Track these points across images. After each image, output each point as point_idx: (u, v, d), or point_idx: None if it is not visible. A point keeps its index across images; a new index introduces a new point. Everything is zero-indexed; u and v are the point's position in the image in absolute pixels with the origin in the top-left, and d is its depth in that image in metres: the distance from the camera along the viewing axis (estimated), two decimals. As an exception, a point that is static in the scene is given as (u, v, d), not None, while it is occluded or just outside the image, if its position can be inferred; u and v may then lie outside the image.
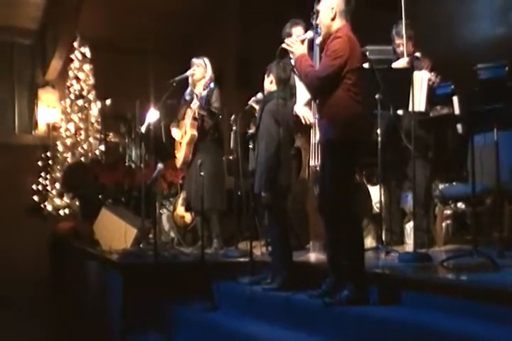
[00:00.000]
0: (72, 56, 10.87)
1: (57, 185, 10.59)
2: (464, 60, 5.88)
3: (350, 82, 4.00)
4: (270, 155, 4.69)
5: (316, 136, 5.37)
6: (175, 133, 6.59)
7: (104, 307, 6.18)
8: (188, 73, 6.45)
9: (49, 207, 10.71)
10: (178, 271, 5.56)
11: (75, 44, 10.77)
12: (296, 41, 4.25)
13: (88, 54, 10.82)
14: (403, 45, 5.37)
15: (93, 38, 10.70)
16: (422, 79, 5.32)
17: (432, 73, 5.39)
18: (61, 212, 10.45)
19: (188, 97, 6.54)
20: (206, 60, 6.54)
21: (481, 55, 5.86)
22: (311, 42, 4.81)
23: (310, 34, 4.37)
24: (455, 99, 4.88)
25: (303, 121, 5.39)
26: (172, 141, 6.66)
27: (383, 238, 5.40)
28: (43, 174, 11.18)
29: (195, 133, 6.39)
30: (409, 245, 5.50)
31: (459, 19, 6.66)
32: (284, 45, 4.25)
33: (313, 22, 5.00)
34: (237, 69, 10.14)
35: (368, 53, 5.36)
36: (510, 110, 4.32)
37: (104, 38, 10.80)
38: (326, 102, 4.05)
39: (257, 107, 5.38)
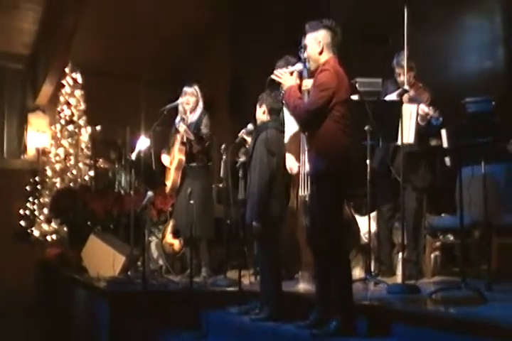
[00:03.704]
0: (64, 81, 10.90)
1: (46, 211, 10.53)
2: (452, 93, 5.97)
3: (338, 114, 4.03)
4: (263, 185, 4.68)
5: (305, 166, 5.40)
6: (164, 159, 6.63)
7: (91, 335, 6.13)
8: (178, 101, 6.48)
9: (36, 233, 10.64)
10: (166, 299, 5.54)
11: (67, 70, 10.80)
12: (284, 72, 4.28)
13: (79, 80, 10.86)
14: (403, 74, 5.45)
15: (85, 63, 10.75)
16: (410, 112, 5.39)
17: (431, 107, 5.45)
18: (49, 238, 10.38)
19: (178, 125, 6.58)
20: (197, 87, 6.59)
21: (470, 89, 5.96)
22: (300, 74, 4.85)
23: (299, 66, 4.38)
24: (443, 131, 4.95)
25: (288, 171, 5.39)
26: (162, 168, 6.68)
27: (372, 269, 5.42)
28: (30, 199, 11.14)
29: (183, 157, 6.42)
30: (398, 276, 5.52)
31: (447, 52, 6.76)
32: (273, 76, 4.28)
33: (302, 56, 5.07)
34: (229, 97, 10.22)
35: (357, 85, 5.43)
36: (497, 144, 4.39)
37: (95, 64, 10.88)
38: (315, 134, 4.07)
39: (248, 138, 5.42)
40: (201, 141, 6.37)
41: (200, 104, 6.55)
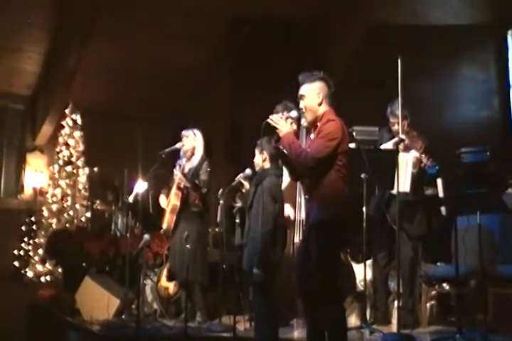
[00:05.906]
0: (63, 122, 10.97)
1: (41, 251, 10.47)
2: (448, 142, 6.05)
3: (341, 163, 4.11)
4: (267, 233, 4.71)
5: (300, 213, 5.42)
6: (162, 200, 6.64)
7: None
8: (177, 145, 6.50)
9: (30, 273, 10.55)
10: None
11: (67, 111, 10.89)
12: (280, 118, 4.27)
13: (79, 121, 10.93)
14: (398, 123, 5.51)
15: (85, 104, 10.85)
16: (406, 161, 5.45)
17: (423, 155, 5.50)
18: (42, 279, 10.30)
19: (178, 167, 6.59)
20: (197, 131, 6.60)
21: (466, 138, 6.04)
22: (298, 120, 4.89)
23: (294, 113, 4.39)
24: (439, 181, 4.99)
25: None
26: (159, 210, 6.69)
27: (367, 317, 5.39)
28: (26, 239, 11.07)
29: (178, 203, 6.41)
30: (393, 325, 5.48)
31: (443, 102, 6.88)
32: (269, 120, 4.26)
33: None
34: (227, 142, 10.29)
35: (354, 134, 5.50)
36: (492, 194, 4.43)
37: (95, 105, 10.97)
38: (317, 183, 4.12)
39: (244, 183, 5.45)
40: (198, 188, 6.36)
41: (201, 149, 6.56)
